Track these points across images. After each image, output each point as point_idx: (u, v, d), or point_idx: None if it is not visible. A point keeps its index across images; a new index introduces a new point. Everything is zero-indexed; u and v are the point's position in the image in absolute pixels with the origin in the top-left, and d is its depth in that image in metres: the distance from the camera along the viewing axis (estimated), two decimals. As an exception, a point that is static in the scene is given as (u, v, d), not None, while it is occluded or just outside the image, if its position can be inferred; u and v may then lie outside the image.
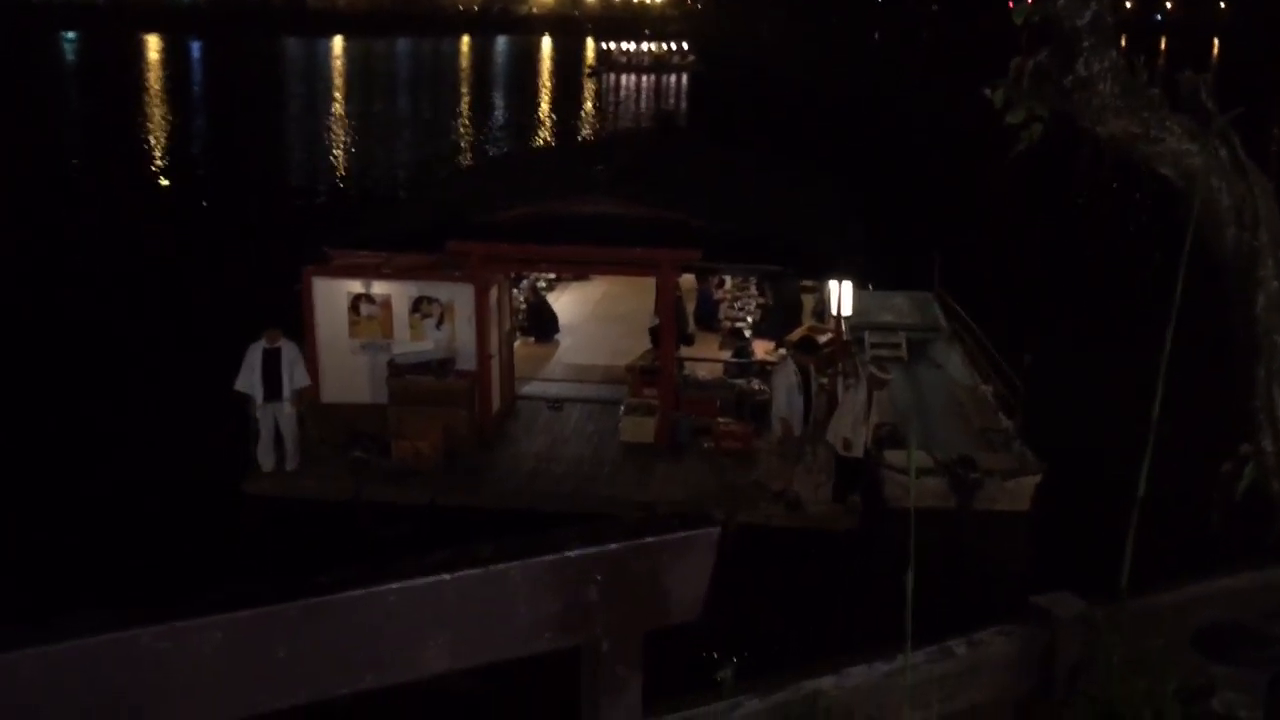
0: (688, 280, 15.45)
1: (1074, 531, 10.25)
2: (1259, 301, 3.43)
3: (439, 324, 12.44)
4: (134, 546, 10.10)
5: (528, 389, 13.99)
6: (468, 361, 12.32)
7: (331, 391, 12.30)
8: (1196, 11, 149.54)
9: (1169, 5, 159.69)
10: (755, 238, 12.51)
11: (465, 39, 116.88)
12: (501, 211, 12.68)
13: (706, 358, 14.51)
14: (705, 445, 12.23)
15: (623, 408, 12.70)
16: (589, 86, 66.65)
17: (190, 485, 11.29)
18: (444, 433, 11.72)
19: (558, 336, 16.02)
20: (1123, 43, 3.74)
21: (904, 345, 15.44)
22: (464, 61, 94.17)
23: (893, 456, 11.34)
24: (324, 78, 72.79)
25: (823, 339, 13.04)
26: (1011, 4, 3.52)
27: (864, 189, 20.82)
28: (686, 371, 13.62)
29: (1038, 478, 11.24)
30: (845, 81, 58.63)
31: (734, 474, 11.74)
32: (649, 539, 1.60)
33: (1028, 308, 18.22)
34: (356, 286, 12.40)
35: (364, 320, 12.43)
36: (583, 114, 53.71)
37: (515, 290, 15.03)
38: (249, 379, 11.48)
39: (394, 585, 1.45)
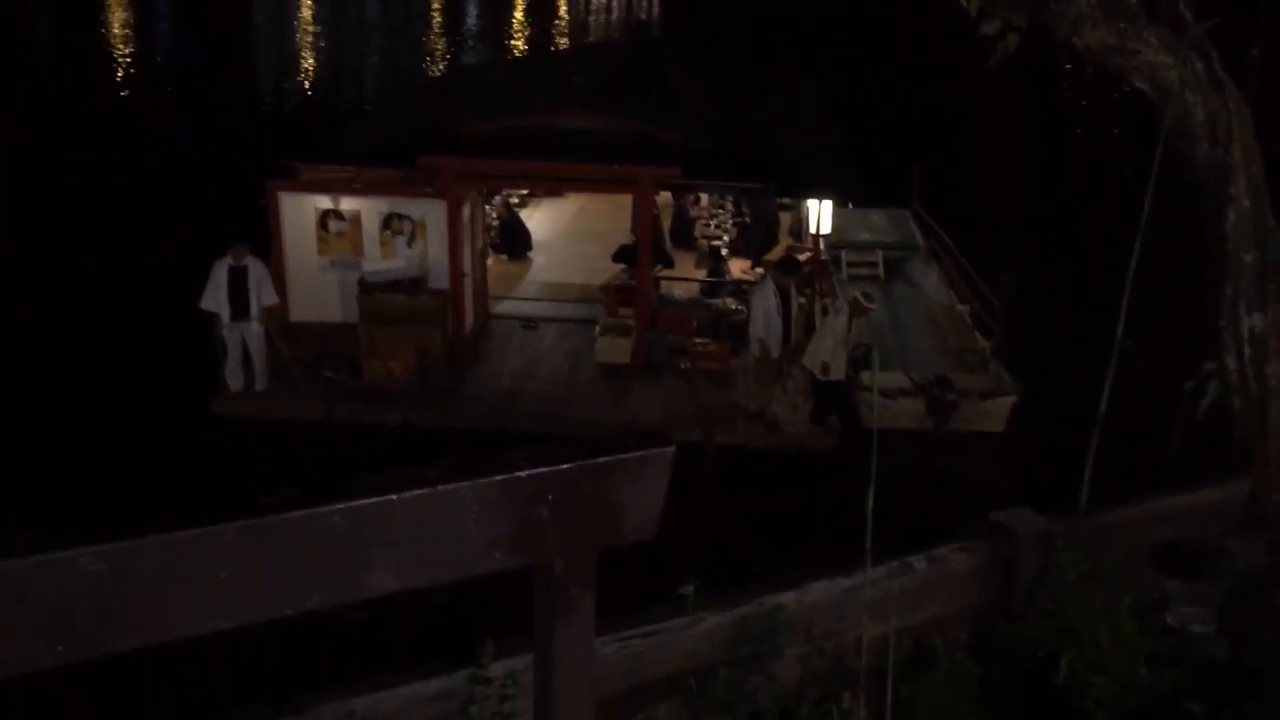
0: (663, 197, 15.27)
1: (1048, 451, 10.38)
2: (1229, 219, 3.41)
3: (410, 241, 12.27)
4: (99, 469, 9.94)
5: (501, 308, 13.90)
6: (440, 280, 12.19)
7: (300, 310, 12.16)
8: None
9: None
10: (733, 153, 12.34)
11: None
12: (474, 125, 12.42)
13: (683, 277, 14.43)
14: (682, 365, 12.24)
15: (598, 328, 12.65)
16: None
17: (157, 406, 11.13)
18: (416, 352, 11.65)
19: (531, 254, 15.88)
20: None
21: (880, 264, 15.39)
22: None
23: (869, 379, 11.40)
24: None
25: (801, 258, 12.98)
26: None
27: (842, 100, 20.47)
28: (663, 291, 13.56)
29: (1014, 399, 11.33)
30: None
31: (711, 394, 11.78)
32: (601, 459, 1.58)
33: (1006, 225, 18.13)
34: (325, 202, 12.17)
35: (333, 237, 12.24)
36: (557, 23, 52.47)
37: (487, 206, 14.82)
38: (215, 297, 11.30)
39: (339, 506, 1.43)
